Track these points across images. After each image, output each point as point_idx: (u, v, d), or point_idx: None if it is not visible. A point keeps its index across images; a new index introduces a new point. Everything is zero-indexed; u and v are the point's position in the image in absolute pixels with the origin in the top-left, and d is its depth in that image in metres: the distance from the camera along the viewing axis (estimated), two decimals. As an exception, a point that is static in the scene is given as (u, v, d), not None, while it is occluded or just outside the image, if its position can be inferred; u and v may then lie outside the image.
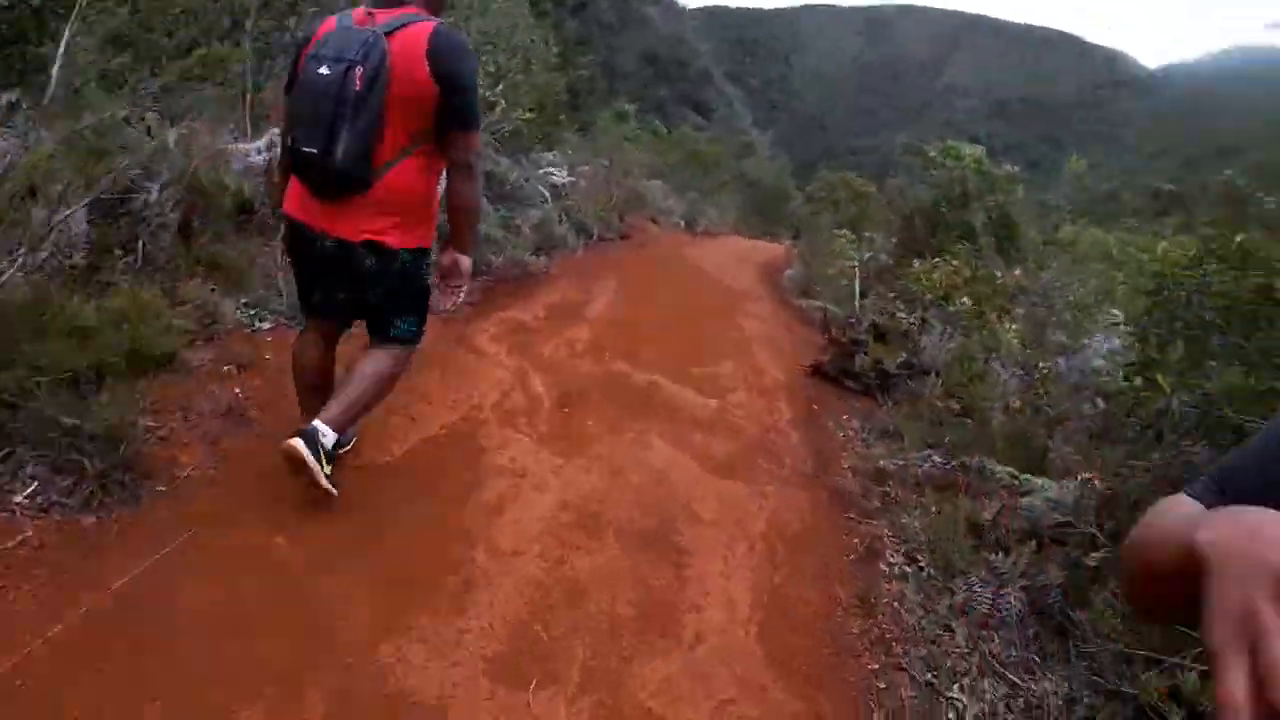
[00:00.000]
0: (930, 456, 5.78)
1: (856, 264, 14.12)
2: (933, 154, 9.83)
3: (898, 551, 3.99)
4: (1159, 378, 3.14)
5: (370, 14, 2.44)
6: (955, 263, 6.18)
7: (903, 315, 9.26)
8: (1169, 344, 3.47)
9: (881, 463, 5.42)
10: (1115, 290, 6.99)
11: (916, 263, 6.94)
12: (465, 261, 2.77)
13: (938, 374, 6.45)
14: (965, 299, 5.85)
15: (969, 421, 5.70)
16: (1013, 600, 3.69)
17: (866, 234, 15.58)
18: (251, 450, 3.08)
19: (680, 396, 5.44)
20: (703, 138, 23.89)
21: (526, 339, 5.71)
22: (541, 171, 11.52)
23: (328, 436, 2.52)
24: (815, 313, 11.14)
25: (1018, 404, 5.50)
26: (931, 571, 3.78)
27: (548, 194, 10.96)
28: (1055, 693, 2.84)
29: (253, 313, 4.21)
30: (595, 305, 7.35)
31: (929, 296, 6.12)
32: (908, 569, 3.81)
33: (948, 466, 5.54)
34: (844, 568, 3.62)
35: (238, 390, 3.53)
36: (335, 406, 2.58)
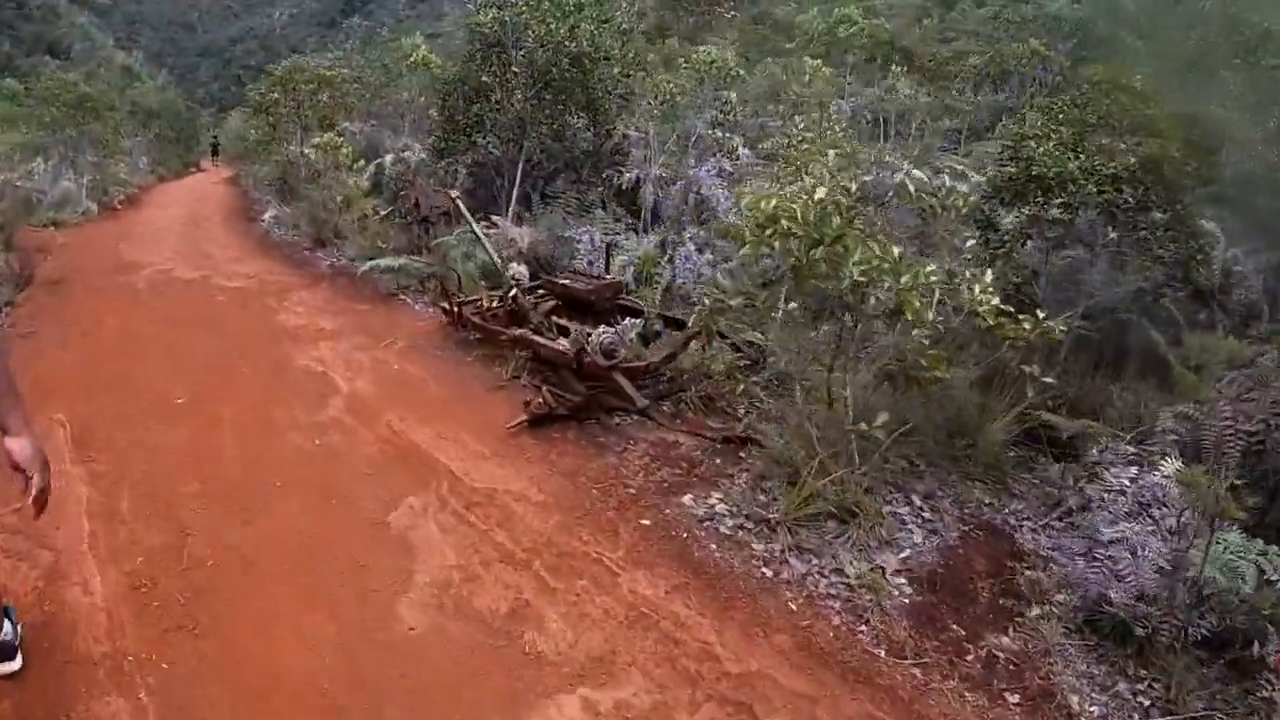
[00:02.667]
0: (901, 519, 3.23)
1: (378, 173, 10.04)
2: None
3: None
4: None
5: None
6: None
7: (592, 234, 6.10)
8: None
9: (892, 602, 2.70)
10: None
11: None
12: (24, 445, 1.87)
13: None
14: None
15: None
16: None
17: (347, 127, 11.37)
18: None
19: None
20: (77, 78, 15.85)
21: None
22: None
23: None
24: (378, 278, 7.23)
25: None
26: None
27: None
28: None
29: None
30: (59, 529, 2.76)
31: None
32: None
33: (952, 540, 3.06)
34: None
35: None
36: None
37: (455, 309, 5.40)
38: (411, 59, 11.33)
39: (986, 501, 3.56)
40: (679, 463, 3.82)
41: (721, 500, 3.43)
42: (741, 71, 8.00)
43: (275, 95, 10.66)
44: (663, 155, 8.05)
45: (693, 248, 6.84)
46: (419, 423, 4.09)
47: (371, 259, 7.80)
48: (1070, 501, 3.48)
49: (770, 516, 3.21)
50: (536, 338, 4.63)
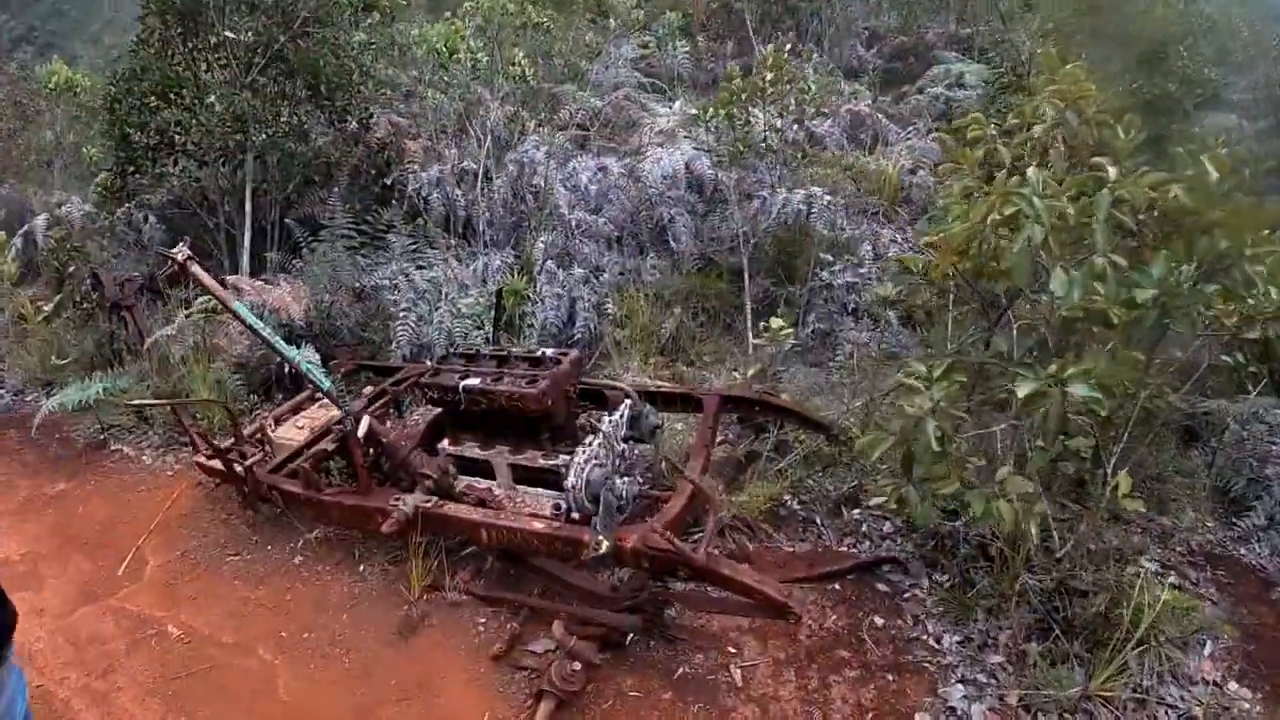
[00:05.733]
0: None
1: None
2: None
3: None
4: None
5: None
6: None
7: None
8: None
9: None
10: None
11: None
12: None
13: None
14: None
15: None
16: None
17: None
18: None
19: None
20: None
21: None
22: None
23: None
24: (57, 414, 4.28)
25: None
26: None
27: None
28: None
29: None
30: None
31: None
32: None
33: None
34: None
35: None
36: None
37: (239, 468, 3.06)
38: (52, 84, 8.11)
39: (1170, 522, 2.88)
40: (833, 654, 2.28)
41: (972, 698, 2.19)
42: (547, 21, 6.00)
43: None
44: (444, 140, 5.93)
45: (553, 265, 4.98)
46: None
47: (48, 387, 4.84)
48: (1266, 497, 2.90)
49: (1069, 694, 2.08)
50: (464, 512, 2.57)
